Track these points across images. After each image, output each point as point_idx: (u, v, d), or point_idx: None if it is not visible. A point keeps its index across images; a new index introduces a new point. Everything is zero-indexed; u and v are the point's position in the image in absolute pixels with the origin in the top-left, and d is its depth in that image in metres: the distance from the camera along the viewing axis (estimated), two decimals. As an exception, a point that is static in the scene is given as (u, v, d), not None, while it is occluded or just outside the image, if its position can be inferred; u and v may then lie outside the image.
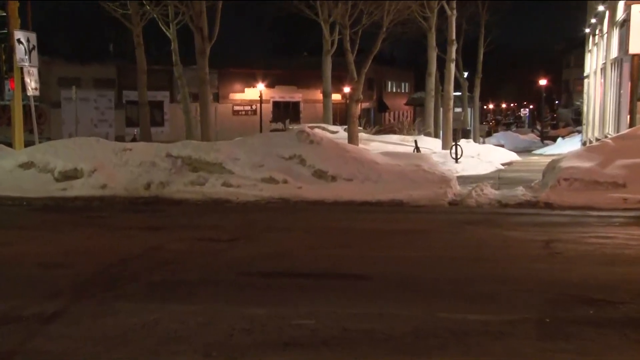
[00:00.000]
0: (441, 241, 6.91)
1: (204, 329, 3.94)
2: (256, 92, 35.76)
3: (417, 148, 18.05)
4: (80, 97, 24.71)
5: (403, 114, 47.28)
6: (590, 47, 26.21)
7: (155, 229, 7.78)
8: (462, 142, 19.18)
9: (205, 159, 11.67)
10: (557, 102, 64.04)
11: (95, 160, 11.55)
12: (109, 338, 3.82)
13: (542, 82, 42.24)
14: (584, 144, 21.14)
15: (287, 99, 38.66)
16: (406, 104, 43.70)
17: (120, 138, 27.22)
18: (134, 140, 23.13)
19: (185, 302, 4.57)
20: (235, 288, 4.98)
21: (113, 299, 4.64)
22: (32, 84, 13.64)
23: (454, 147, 17.44)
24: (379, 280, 5.19)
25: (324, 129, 23.21)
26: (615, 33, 18.17)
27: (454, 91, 23.04)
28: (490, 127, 47.86)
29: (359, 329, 3.90)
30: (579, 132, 31.80)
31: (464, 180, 13.06)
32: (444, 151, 19.16)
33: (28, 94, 13.69)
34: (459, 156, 17.15)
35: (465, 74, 33.20)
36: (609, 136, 15.22)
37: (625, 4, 14.68)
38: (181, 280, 5.21)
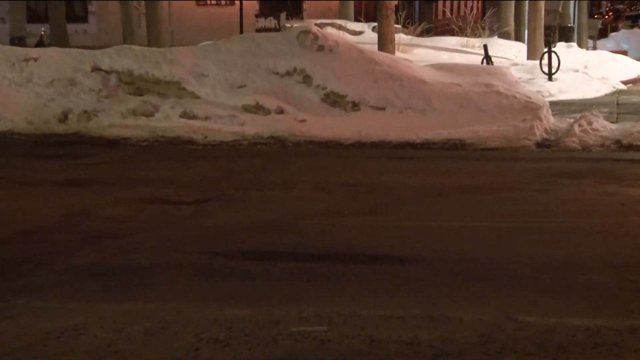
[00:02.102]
0: (524, 204, 6.87)
1: (155, 340, 3.95)
2: (233, -32, 35.15)
3: (487, 58, 17.79)
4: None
5: (465, 5, 46.48)
6: None
7: (78, 185, 7.80)
8: (560, 47, 18.87)
9: (154, 75, 11.59)
10: None
11: (-19, 77, 11.51)
12: (5, 354, 3.85)
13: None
14: None
15: (283, -20, 38.04)
16: (471, -12, 42.91)
17: (18, 41, 27.02)
18: (40, 44, 22.97)
19: (126, 298, 4.58)
20: (204, 277, 4.99)
21: (13, 292, 4.65)
22: None
23: (546, 56, 17.17)
24: (427, 264, 5.18)
25: (340, 27, 22.95)
26: None
27: (548, -34, 22.48)
28: (605, 24, 47.00)
29: (395, 340, 3.90)
30: None
31: (561, 108, 12.92)
32: (531, 62, 18.91)
33: None
34: (554, 70, 16.91)
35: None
36: None
37: None
38: (120, 265, 5.23)
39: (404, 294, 4.60)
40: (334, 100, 11.31)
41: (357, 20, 26.59)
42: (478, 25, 25.98)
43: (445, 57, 19.25)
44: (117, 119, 10.99)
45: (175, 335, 4.00)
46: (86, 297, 4.59)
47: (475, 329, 4.03)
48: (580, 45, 25.75)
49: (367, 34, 22.20)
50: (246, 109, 11.11)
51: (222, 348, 3.85)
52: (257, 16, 33.02)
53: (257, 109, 11.10)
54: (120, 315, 4.26)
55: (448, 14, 42.38)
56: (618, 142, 9.78)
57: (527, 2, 22.53)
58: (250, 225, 6.17)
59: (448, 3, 48.21)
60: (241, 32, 30.23)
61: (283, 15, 31.15)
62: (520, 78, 14.13)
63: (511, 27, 24.86)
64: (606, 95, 15.87)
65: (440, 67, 12.90)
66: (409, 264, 5.20)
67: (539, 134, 10.22)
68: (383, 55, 12.94)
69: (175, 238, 5.88)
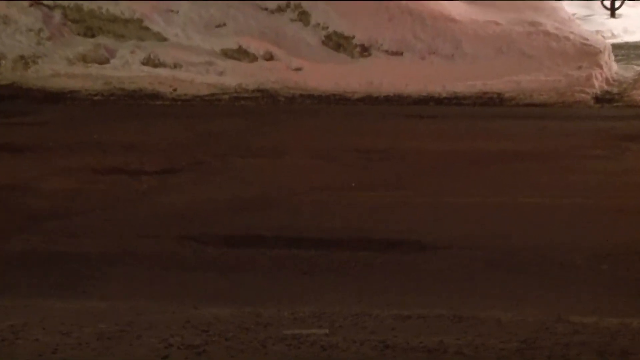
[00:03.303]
0: (579, 175, 6.87)
1: (112, 346, 3.96)
2: None
3: (533, -12, 17.66)
4: None
5: None
6: None
7: (13, 151, 7.77)
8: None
9: (109, 12, 11.51)
10: None
11: None
12: None
13: None
14: None
15: None
16: None
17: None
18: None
19: (75, 293, 4.59)
20: (173, 267, 5.00)
21: None
22: None
23: (608, -14, 17.06)
24: (455, 251, 5.19)
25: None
26: None
27: None
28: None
29: (415, 346, 3.90)
30: None
31: (627, 52, 12.84)
32: (588, -6, 18.77)
33: None
34: (617, 4, 16.82)
35: None
36: None
37: None
38: (66, 253, 5.23)
39: (426, 289, 4.61)
40: (337, 42, 11.26)
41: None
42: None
43: (479, -12, 19.12)
44: (62, 67, 10.94)
45: (138, 339, 4.01)
46: (25, 293, 4.59)
47: (517, 332, 4.03)
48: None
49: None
50: (226, 54, 11.06)
51: (196, 355, 3.85)
52: None
53: (240, 54, 11.05)
54: (68, 315, 4.26)
55: None
56: (699, 96, 9.76)
57: None
58: (231, 203, 6.16)
59: None
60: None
61: None
62: (574, 14, 14.04)
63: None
64: (684, 36, 15.77)
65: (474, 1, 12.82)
66: (433, 251, 5.20)
67: (598, 85, 10.18)
68: (400, -14, 12.86)
69: (137, 218, 5.88)
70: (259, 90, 10.38)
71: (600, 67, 10.55)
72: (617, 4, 16.79)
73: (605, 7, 16.86)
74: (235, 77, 10.64)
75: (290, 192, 6.45)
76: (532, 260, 5.03)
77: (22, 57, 11.09)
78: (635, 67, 11.36)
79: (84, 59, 11.09)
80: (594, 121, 9.02)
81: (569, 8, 14.10)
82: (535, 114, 9.43)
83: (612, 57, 11.15)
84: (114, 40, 11.34)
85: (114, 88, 10.51)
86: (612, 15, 16.62)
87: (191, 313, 4.27)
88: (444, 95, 10.17)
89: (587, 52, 10.84)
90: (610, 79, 10.51)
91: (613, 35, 14.76)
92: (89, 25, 11.57)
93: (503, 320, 4.17)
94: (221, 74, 10.75)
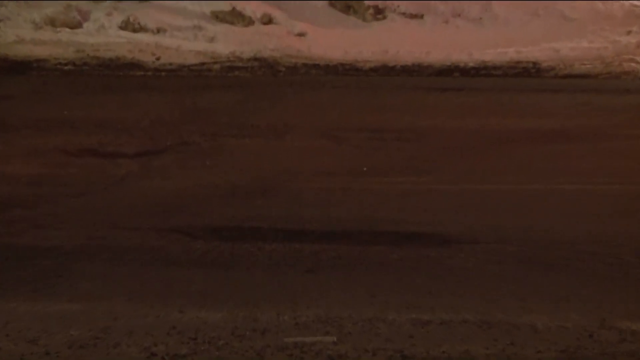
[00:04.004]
0: (626, 158, 6.86)
1: (85, 355, 3.97)
2: None
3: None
4: None
5: None
6: None
7: (-29, 129, 7.81)
8: None
9: (81, -33, 11.52)
10: None
11: None
12: None
13: None
14: None
15: None
16: None
17: None
18: None
19: (43, 294, 4.60)
20: (157, 264, 5.02)
21: None
22: None
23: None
24: (482, 246, 5.20)
25: None
26: None
27: None
28: None
29: (437, 356, 3.92)
30: None
31: (683, 16, 12.80)
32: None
33: None
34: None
35: None
36: None
37: None
38: (33, 246, 5.26)
39: (449, 290, 4.61)
40: (346, 4, 11.25)
41: None
42: None
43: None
44: (27, 32, 10.95)
45: (115, 348, 4.02)
46: (-16, 294, 4.62)
47: (555, 340, 4.04)
48: None
49: None
50: (218, 16, 11.05)
51: (183, 368, 3.88)
52: None
53: (234, 17, 11.04)
54: (35, 319, 4.28)
55: None
56: None
57: None
58: (223, 190, 6.18)
59: None
60: None
61: None
62: (623, -29, 14.04)
63: None
64: None
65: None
66: (456, 246, 5.22)
67: (649, 54, 10.18)
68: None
69: (114, 208, 5.89)
70: (255, 59, 10.38)
71: (652, 32, 10.56)
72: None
73: (658, -38, 16.82)
74: (228, 43, 10.63)
75: (292, 178, 6.45)
76: (571, 256, 5.04)
77: (-20, 20, 11.11)
78: (692, 32, 11.35)
79: (53, 22, 11.10)
80: (644, 95, 9.03)
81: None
82: (576, 87, 9.41)
83: (666, 21, 11.15)
84: (87, 0, 11.34)
85: (87, 56, 10.51)
86: (667, -29, 16.58)
87: (177, 317, 4.28)
88: (471, 64, 10.16)
89: (638, 15, 10.82)
90: (664, 47, 10.51)
91: (667, -5, 14.74)
92: (58, -17, 11.59)
93: (539, 327, 4.18)
94: (212, 40, 10.75)
